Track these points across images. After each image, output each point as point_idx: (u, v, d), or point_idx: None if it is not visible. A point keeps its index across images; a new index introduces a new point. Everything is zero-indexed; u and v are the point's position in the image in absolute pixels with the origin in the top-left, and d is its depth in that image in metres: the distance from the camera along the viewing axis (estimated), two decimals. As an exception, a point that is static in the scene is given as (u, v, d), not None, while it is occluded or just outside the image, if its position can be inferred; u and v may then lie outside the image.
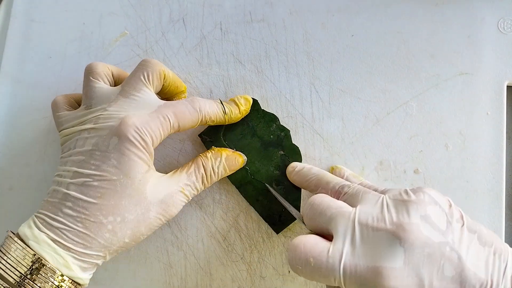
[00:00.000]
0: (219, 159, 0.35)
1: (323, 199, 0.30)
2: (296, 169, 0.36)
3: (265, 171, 0.37)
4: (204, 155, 0.35)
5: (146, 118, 0.31)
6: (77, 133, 0.32)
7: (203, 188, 0.35)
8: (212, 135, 0.37)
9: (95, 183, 0.30)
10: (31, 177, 0.39)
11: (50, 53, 0.41)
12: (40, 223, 0.30)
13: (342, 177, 0.36)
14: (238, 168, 0.36)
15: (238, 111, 0.36)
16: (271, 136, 0.37)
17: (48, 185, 0.39)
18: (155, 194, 0.32)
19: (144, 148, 0.31)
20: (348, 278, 0.26)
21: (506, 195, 0.37)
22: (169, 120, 0.32)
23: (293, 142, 0.37)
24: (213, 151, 0.36)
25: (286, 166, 0.37)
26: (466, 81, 0.38)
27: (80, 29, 0.41)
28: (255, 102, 0.37)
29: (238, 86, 0.39)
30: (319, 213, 0.29)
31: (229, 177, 0.37)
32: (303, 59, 0.39)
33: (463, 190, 0.37)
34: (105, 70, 0.35)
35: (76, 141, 0.32)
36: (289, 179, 0.37)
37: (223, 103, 0.35)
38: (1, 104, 0.40)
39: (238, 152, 0.36)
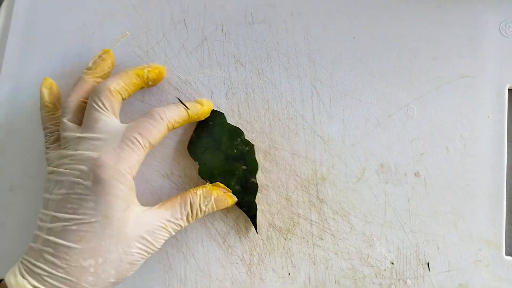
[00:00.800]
0: (209, 198, 0.35)
1: None
2: None
3: (227, 186, 0.36)
4: (194, 192, 0.35)
5: (117, 152, 0.31)
6: (54, 174, 0.32)
7: (186, 225, 0.34)
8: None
9: (74, 227, 0.30)
10: (31, 178, 0.39)
11: (51, 54, 0.40)
12: (24, 269, 0.30)
13: None
14: (226, 207, 0.36)
15: (200, 106, 0.36)
16: (235, 151, 0.37)
17: (48, 185, 0.39)
18: (136, 230, 0.31)
19: (122, 184, 0.31)
20: None
21: (507, 198, 0.37)
22: (139, 142, 0.32)
23: (255, 158, 0.37)
24: (204, 189, 0.35)
25: (248, 181, 0.37)
26: (467, 84, 0.37)
27: (81, 30, 0.41)
28: (221, 115, 0.37)
29: (239, 88, 0.39)
30: None
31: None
32: (304, 61, 0.39)
33: (464, 193, 0.36)
34: (75, 106, 0.35)
35: (55, 182, 0.32)
36: None
37: (181, 101, 0.35)
38: (2, 104, 0.40)
39: (230, 194, 0.36)
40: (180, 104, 0.35)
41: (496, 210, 0.36)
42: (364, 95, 0.38)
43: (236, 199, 0.36)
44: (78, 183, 0.31)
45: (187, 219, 0.34)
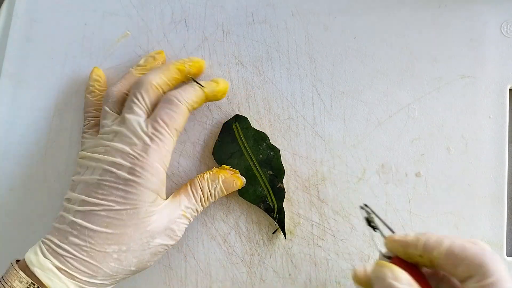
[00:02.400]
0: (216, 181, 0.35)
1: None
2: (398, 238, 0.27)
3: (253, 191, 0.36)
4: (202, 176, 0.35)
5: (148, 145, 0.31)
6: (87, 159, 0.33)
7: (202, 209, 0.35)
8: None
9: (102, 213, 0.31)
10: (32, 178, 0.39)
11: (52, 54, 0.40)
12: (46, 249, 0.30)
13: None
14: (236, 189, 0.36)
15: (216, 84, 0.35)
16: (260, 155, 0.37)
17: (49, 185, 0.39)
18: (160, 222, 0.32)
19: (154, 176, 0.31)
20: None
21: (508, 199, 0.37)
22: (166, 131, 0.32)
23: (281, 162, 0.37)
24: (211, 172, 0.35)
25: (274, 186, 0.36)
26: (468, 84, 0.37)
27: (81, 30, 0.41)
28: (245, 119, 0.37)
29: (240, 88, 0.39)
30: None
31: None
32: (305, 61, 0.39)
33: (465, 193, 0.36)
34: (118, 96, 0.35)
35: (87, 168, 0.33)
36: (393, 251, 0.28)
37: (195, 80, 0.35)
38: (2, 104, 0.40)
39: (237, 174, 0.36)
40: (195, 83, 0.35)
41: (497, 211, 0.36)
42: (365, 95, 0.38)
43: (245, 181, 0.36)
44: (111, 172, 0.31)
45: (201, 203, 0.34)
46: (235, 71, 0.39)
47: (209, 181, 0.35)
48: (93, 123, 0.37)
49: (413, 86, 0.38)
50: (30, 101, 0.40)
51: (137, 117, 0.33)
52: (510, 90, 0.37)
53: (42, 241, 0.31)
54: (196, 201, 0.34)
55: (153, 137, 0.32)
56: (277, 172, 0.37)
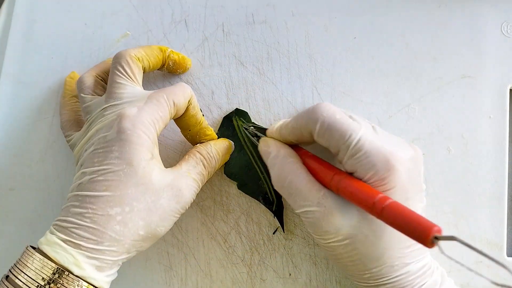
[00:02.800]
0: (209, 145, 0.35)
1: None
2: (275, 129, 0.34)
3: (253, 185, 0.37)
4: (195, 146, 0.36)
5: (141, 107, 0.31)
6: (82, 147, 0.33)
7: (207, 173, 0.34)
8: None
9: (100, 178, 0.30)
10: (32, 177, 0.39)
11: (52, 54, 0.40)
12: (54, 228, 0.30)
13: None
14: (228, 152, 0.36)
15: (211, 130, 0.36)
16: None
17: (49, 185, 0.39)
18: (162, 180, 0.31)
19: (145, 134, 0.31)
20: (360, 143, 0.28)
21: (508, 199, 0.37)
22: (164, 99, 0.32)
23: None
24: (200, 142, 0.36)
25: None
26: (468, 84, 0.37)
27: (82, 30, 0.41)
28: (244, 113, 0.38)
29: (240, 88, 0.39)
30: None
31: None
32: (305, 61, 0.39)
33: (465, 193, 0.36)
34: (91, 80, 0.36)
35: (85, 150, 0.33)
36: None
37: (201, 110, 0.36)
38: (3, 104, 0.40)
39: (223, 138, 0.37)
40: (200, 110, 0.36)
41: (498, 211, 0.36)
42: (365, 95, 0.38)
43: (232, 143, 0.37)
44: (104, 137, 0.31)
45: (204, 165, 0.34)
46: (235, 71, 0.39)
47: (202, 147, 0.35)
48: (71, 123, 0.37)
49: (413, 86, 0.38)
50: (30, 101, 0.40)
51: (126, 88, 0.33)
52: (510, 90, 0.37)
53: (52, 225, 0.31)
54: (196, 163, 0.34)
55: (149, 101, 0.31)
56: None
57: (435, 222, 0.36)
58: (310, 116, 0.30)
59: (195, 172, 0.33)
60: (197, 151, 0.34)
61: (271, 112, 0.38)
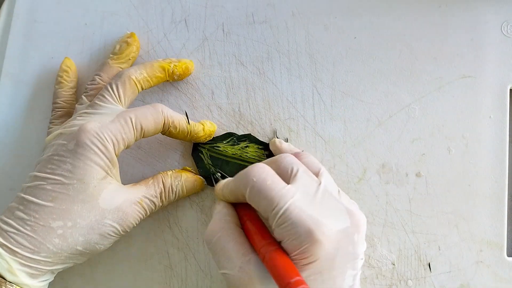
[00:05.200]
0: (179, 178, 0.35)
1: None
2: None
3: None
4: (165, 172, 0.35)
5: (106, 123, 0.31)
6: (49, 141, 0.33)
7: (160, 205, 0.34)
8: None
9: (48, 187, 0.30)
10: (32, 178, 0.39)
11: (52, 54, 0.40)
12: None
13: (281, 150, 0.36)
14: (196, 191, 0.36)
15: (201, 128, 0.36)
16: (247, 154, 0.37)
17: (49, 185, 0.39)
18: (111, 201, 0.31)
19: (102, 153, 0.31)
20: (287, 213, 0.27)
21: (508, 199, 0.37)
22: (131, 121, 0.32)
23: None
24: (174, 171, 0.36)
25: None
26: (469, 84, 0.37)
27: (82, 30, 0.41)
28: (208, 143, 0.37)
29: (240, 88, 0.39)
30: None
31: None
32: (305, 61, 0.39)
33: (465, 193, 0.36)
34: (99, 88, 0.36)
35: (47, 148, 0.33)
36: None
37: (187, 115, 0.36)
38: (3, 104, 0.40)
39: (198, 176, 0.36)
40: (185, 116, 0.35)
41: (498, 211, 0.36)
42: (365, 95, 0.38)
43: (205, 182, 0.37)
44: (62, 145, 0.31)
45: (161, 197, 0.34)
46: (235, 71, 0.39)
47: (172, 177, 0.35)
48: (60, 114, 0.37)
49: (413, 86, 0.38)
50: (30, 101, 0.40)
51: (106, 103, 0.33)
52: (510, 90, 0.37)
53: None
54: (155, 193, 0.34)
55: (116, 120, 0.31)
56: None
57: (435, 222, 0.36)
58: (242, 179, 0.29)
59: (148, 201, 0.33)
60: (163, 181, 0.34)
61: (271, 112, 0.38)
